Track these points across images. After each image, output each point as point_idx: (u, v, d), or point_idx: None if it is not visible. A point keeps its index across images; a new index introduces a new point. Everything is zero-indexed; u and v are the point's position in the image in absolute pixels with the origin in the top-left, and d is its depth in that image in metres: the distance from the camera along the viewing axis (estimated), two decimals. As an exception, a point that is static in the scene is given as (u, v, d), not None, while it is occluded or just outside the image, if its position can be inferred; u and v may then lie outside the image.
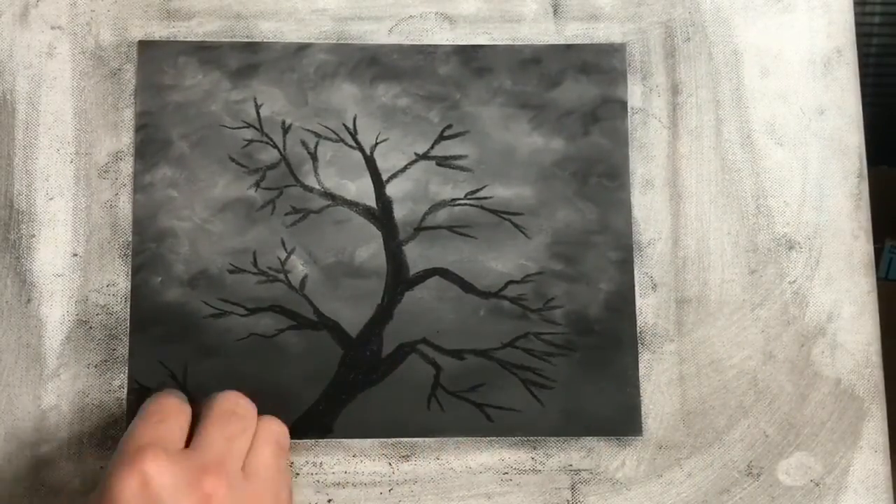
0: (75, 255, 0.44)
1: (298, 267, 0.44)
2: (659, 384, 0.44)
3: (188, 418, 0.38)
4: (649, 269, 0.45)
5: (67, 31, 0.46)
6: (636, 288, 0.45)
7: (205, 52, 0.46)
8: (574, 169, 0.46)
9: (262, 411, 0.41)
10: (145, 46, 0.46)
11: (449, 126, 0.46)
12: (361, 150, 0.46)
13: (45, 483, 0.42)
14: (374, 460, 0.43)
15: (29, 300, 0.44)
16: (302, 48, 0.46)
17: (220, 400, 0.39)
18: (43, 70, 0.46)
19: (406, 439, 0.44)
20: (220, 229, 0.45)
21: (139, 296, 0.44)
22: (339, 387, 0.43)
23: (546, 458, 0.44)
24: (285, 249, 0.44)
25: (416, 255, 0.45)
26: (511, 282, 0.45)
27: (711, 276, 0.45)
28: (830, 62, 0.47)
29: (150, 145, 0.45)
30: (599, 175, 0.46)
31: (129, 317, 0.44)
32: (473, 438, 0.44)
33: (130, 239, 0.44)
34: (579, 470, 0.44)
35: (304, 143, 0.45)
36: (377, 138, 0.46)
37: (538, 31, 0.47)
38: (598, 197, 0.46)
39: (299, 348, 0.44)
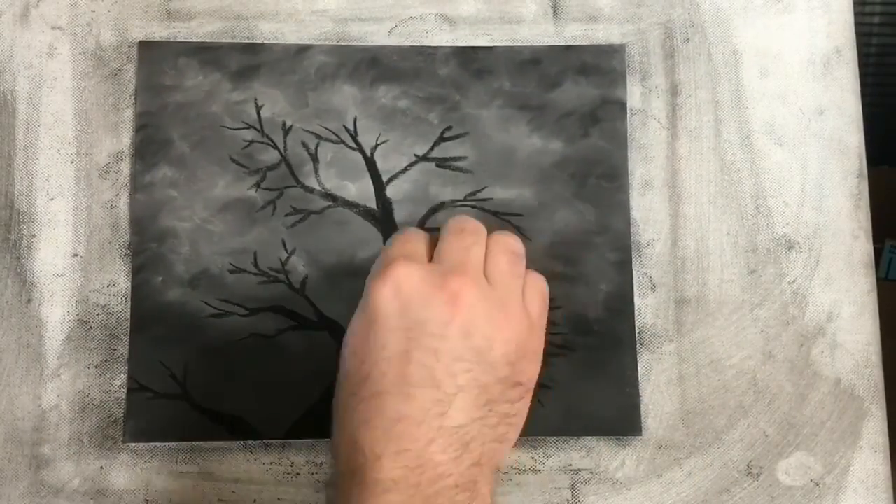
0: (76, 255, 0.44)
1: (299, 267, 0.44)
2: (658, 384, 0.44)
3: (428, 242, 0.40)
4: (648, 270, 0.45)
5: (68, 31, 0.46)
6: (635, 288, 0.45)
7: (205, 53, 0.46)
8: (573, 170, 0.46)
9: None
10: (146, 47, 0.46)
11: (449, 127, 0.46)
12: (362, 151, 0.46)
13: (45, 483, 0.42)
14: (374, 460, 0.43)
15: (29, 300, 0.44)
16: (302, 49, 0.46)
17: (450, 222, 0.40)
18: (43, 70, 0.46)
19: (406, 439, 0.43)
20: (221, 230, 0.45)
21: (139, 296, 0.44)
22: (340, 387, 0.44)
23: (546, 457, 0.44)
24: (286, 250, 0.45)
25: (416, 256, 0.45)
26: (511, 282, 0.45)
27: (711, 276, 0.45)
28: (830, 62, 0.47)
29: (150, 146, 0.45)
30: (598, 176, 0.46)
31: (129, 317, 0.44)
32: (473, 438, 0.44)
33: (131, 239, 0.44)
34: (579, 470, 0.44)
35: (304, 144, 0.45)
36: (377, 140, 0.46)
37: (538, 32, 0.47)
38: (597, 198, 0.46)
39: (300, 349, 0.44)
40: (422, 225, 0.45)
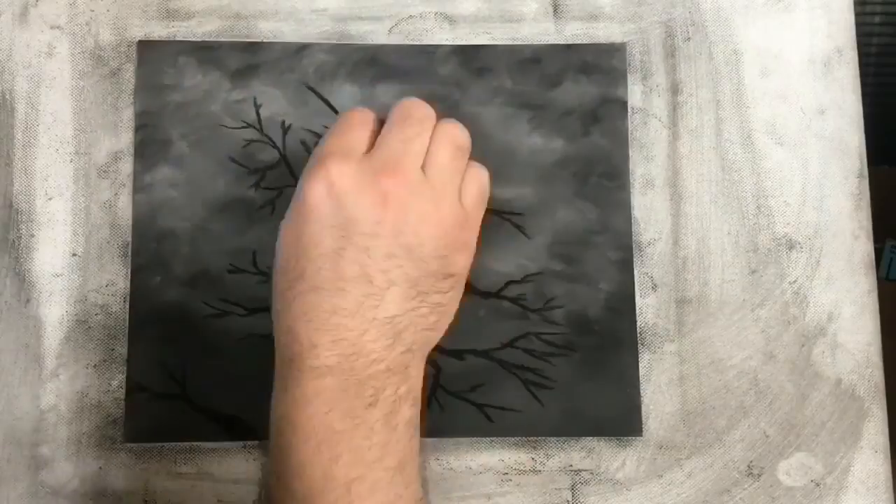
0: (74, 255, 0.44)
1: (298, 267, 0.44)
2: (659, 384, 0.44)
3: (373, 127, 0.40)
4: (649, 270, 0.45)
5: (67, 30, 0.46)
6: (636, 288, 0.45)
7: (204, 52, 0.46)
8: (574, 169, 0.46)
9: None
10: (145, 46, 0.46)
11: (449, 126, 0.46)
12: (361, 150, 0.45)
13: (45, 483, 0.42)
14: (373, 461, 0.43)
15: (28, 300, 0.44)
16: (302, 48, 0.46)
17: (398, 106, 0.40)
18: (42, 70, 0.46)
19: (406, 440, 0.43)
20: (220, 229, 0.45)
21: (138, 296, 0.44)
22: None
23: (546, 458, 0.44)
24: (285, 249, 0.44)
25: (416, 256, 0.45)
26: (511, 282, 0.45)
27: (712, 276, 0.45)
28: (831, 62, 0.47)
29: (149, 145, 0.45)
30: (599, 175, 0.46)
31: (128, 317, 0.44)
32: (473, 439, 0.44)
33: (130, 239, 0.44)
34: (579, 470, 0.44)
35: (304, 144, 0.45)
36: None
37: (538, 30, 0.47)
38: (598, 197, 0.45)
39: (299, 348, 0.44)
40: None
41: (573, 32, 0.47)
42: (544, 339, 0.44)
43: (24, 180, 0.45)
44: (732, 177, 0.46)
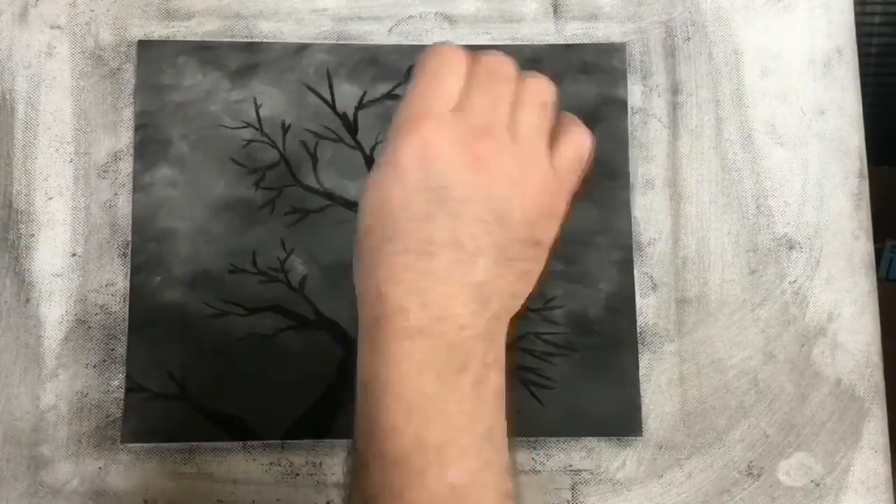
0: (74, 254, 0.44)
1: (298, 267, 0.44)
2: (659, 384, 0.44)
3: (464, 70, 0.38)
4: (649, 269, 0.45)
5: (67, 30, 0.46)
6: (636, 288, 0.45)
7: (204, 52, 0.46)
8: (574, 169, 0.46)
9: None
10: (145, 46, 0.46)
11: (449, 126, 0.46)
12: (361, 149, 0.45)
13: (45, 483, 0.42)
14: (373, 461, 0.43)
15: (28, 300, 0.44)
16: (302, 48, 0.46)
17: (482, 61, 0.38)
18: (42, 70, 0.46)
19: (406, 440, 0.43)
20: (220, 229, 0.44)
21: (138, 296, 0.44)
22: (339, 387, 0.43)
23: (546, 458, 0.44)
24: (285, 249, 0.44)
25: (416, 255, 0.45)
26: (511, 282, 0.45)
27: (712, 276, 0.45)
28: (830, 62, 0.47)
29: (149, 145, 0.45)
30: (600, 175, 0.46)
31: (127, 317, 0.44)
32: (473, 439, 0.44)
33: (130, 239, 0.44)
34: (579, 470, 0.43)
35: (303, 144, 0.45)
36: (377, 138, 0.46)
37: (538, 30, 0.47)
38: (598, 197, 0.45)
39: (299, 348, 0.44)
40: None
41: (573, 32, 0.47)
42: (544, 339, 0.44)
43: (23, 180, 0.45)
44: (732, 177, 0.46)
